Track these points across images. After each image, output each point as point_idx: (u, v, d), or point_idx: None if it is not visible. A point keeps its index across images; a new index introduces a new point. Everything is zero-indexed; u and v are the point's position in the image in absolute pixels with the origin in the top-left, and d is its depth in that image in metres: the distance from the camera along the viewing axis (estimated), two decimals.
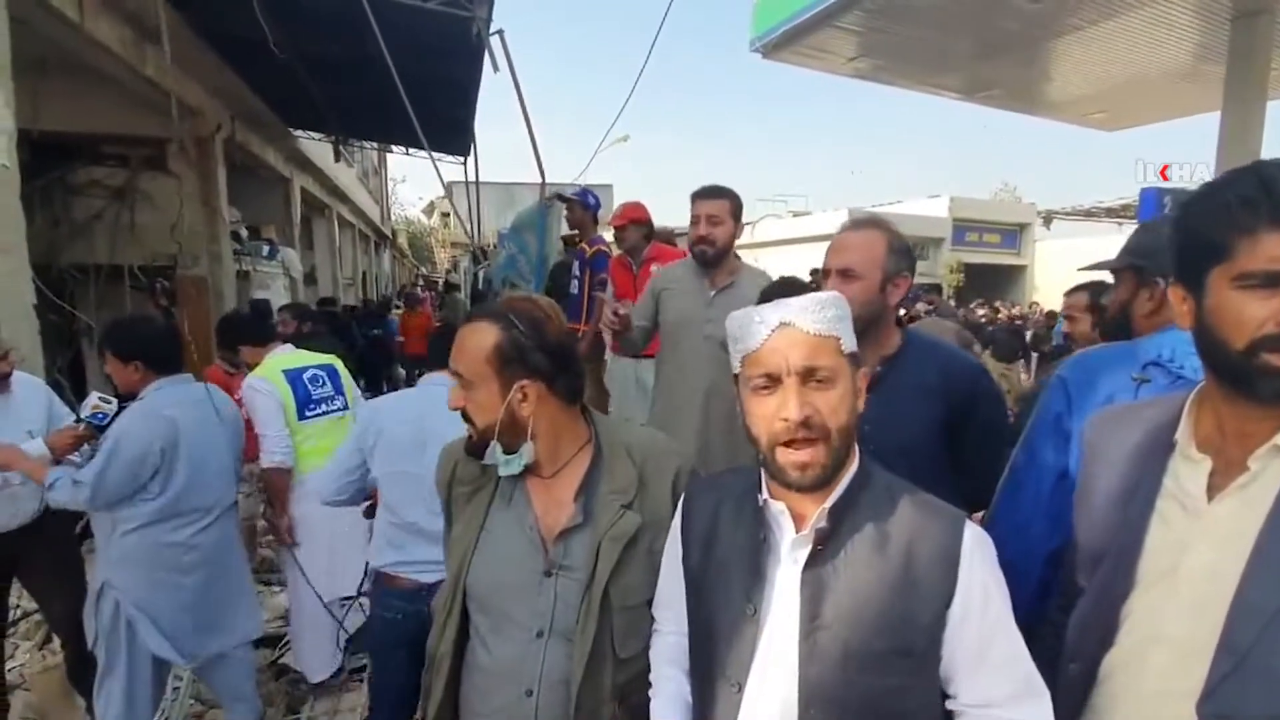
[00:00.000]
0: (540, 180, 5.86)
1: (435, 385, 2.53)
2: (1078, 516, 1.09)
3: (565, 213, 4.80)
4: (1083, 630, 1.01)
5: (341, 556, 3.09)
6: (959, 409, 1.55)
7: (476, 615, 1.20)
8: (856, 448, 0.98)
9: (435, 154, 10.18)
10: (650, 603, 1.16)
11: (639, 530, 1.14)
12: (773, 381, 0.90)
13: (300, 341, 4.03)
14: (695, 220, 2.59)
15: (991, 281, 19.68)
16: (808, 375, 0.89)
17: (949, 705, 0.94)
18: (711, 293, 2.63)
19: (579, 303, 4.54)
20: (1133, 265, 1.49)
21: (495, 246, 10.36)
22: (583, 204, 4.63)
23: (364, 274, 18.84)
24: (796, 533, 0.94)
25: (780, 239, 19.26)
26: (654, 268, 3.81)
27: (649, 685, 1.14)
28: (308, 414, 3.14)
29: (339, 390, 3.29)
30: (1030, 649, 0.95)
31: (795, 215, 21.55)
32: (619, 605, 1.13)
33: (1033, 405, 1.46)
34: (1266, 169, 0.80)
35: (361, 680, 3.26)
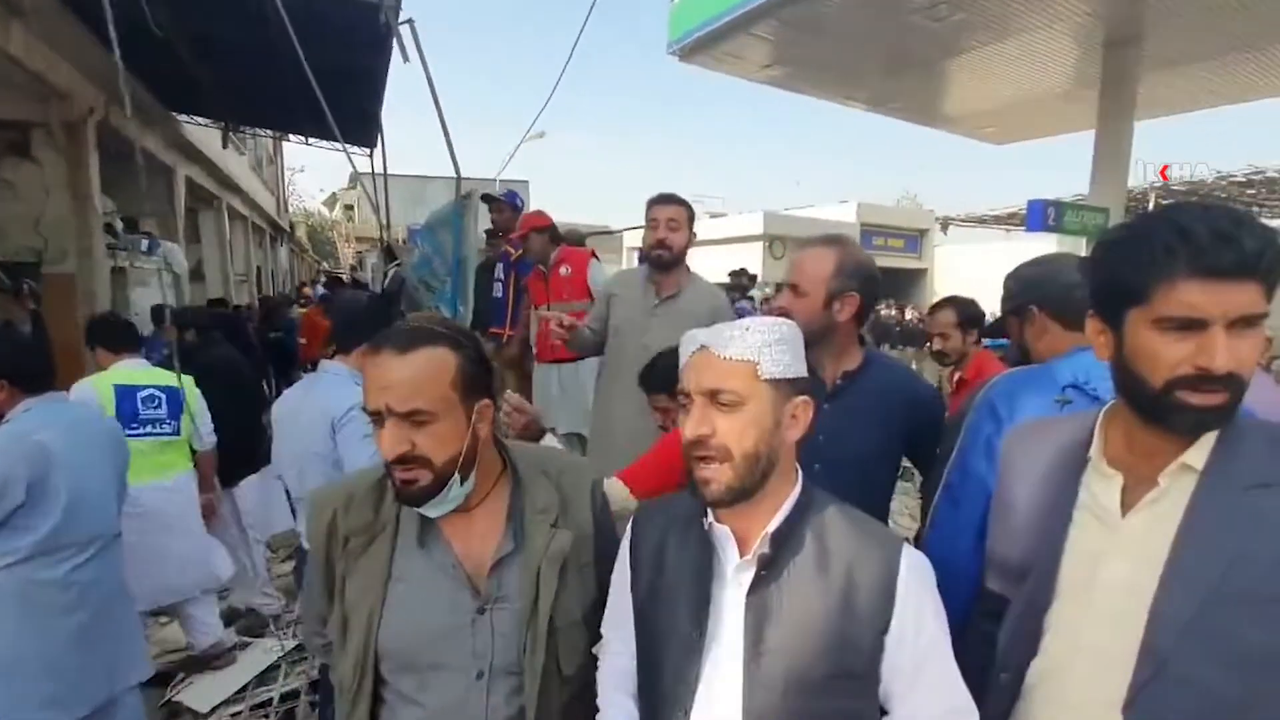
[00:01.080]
0: (455, 176, 5.63)
1: (323, 373, 2.49)
2: (994, 528, 1.14)
3: (491, 213, 4.63)
4: (1011, 641, 1.05)
5: (140, 570, 2.98)
6: (920, 428, 1.63)
7: (397, 676, 1.09)
8: (798, 470, 1.01)
9: (340, 146, 9.69)
10: (585, 617, 1.15)
11: (571, 547, 1.13)
12: (688, 400, 0.95)
13: (187, 355, 3.74)
14: (654, 224, 2.57)
15: (895, 284, 20.73)
16: (711, 397, 0.93)
17: None
18: (655, 302, 2.63)
19: (503, 306, 4.41)
20: (1010, 309, 1.61)
21: (405, 243, 9.94)
22: (511, 205, 4.49)
23: (258, 269, 17.62)
24: (740, 557, 0.96)
25: (698, 240, 19.42)
26: (563, 269, 3.78)
27: (591, 698, 1.13)
28: (129, 432, 2.97)
29: (174, 415, 3.21)
30: (962, 656, 0.99)
31: (713, 217, 21.94)
32: (562, 625, 1.10)
33: (958, 426, 1.50)
34: (1183, 218, 0.83)
35: (267, 715, 3.03)
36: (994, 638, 1.08)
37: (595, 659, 1.18)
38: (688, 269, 2.69)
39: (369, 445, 2.11)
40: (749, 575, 0.95)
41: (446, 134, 5.33)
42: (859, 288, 1.61)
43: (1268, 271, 0.80)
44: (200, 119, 9.32)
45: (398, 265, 8.09)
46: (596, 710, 1.12)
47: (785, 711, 0.90)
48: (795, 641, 0.91)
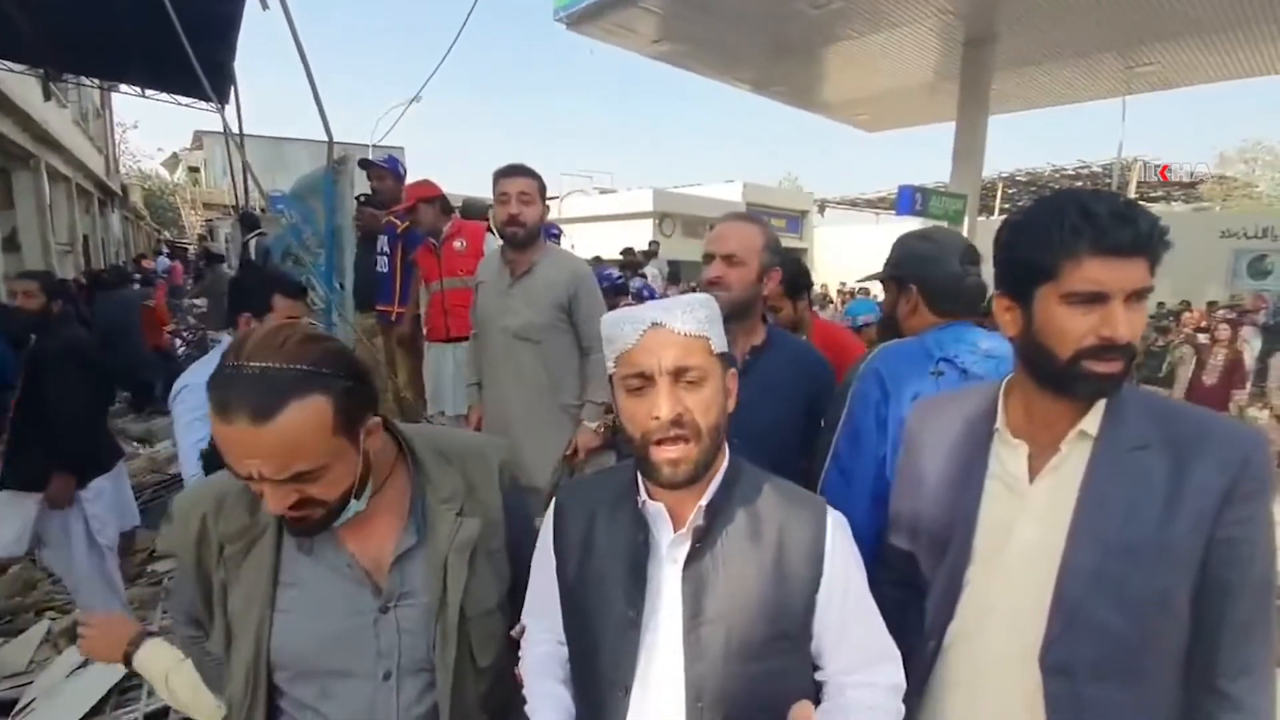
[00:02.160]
0: (326, 139, 5.14)
1: (215, 351, 2.23)
2: (902, 498, 1.20)
3: (371, 181, 4.26)
4: (935, 609, 1.10)
5: None
6: (818, 399, 1.66)
7: (293, 685, 1.02)
8: (725, 445, 1.00)
9: (186, 100, 8.64)
10: (499, 604, 1.11)
11: (479, 534, 1.07)
12: (645, 381, 0.91)
13: (46, 329, 3.18)
14: (505, 199, 2.44)
15: None
16: (679, 374, 0.90)
17: (816, 676, 1.00)
18: (509, 282, 2.54)
19: (390, 281, 4.12)
20: (893, 276, 1.65)
21: (265, 210, 9.11)
22: (393, 173, 4.15)
23: (85, 238, 15.49)
24: (675, 532, 0.96)
25: (587, 215, 19.32)
26: (457, 243, 3.56)
27: (509, 688, 1.09)
28: None
29: None
30: None
31: (602, 192, 21.79)
32: (474, 615, 1.05)
33: (842, 395, 1.55)
34: (1087, 201, 0.89)
35: None
36: (899, 602, 1.13)
37: (513, 646, 1.13)
38: (543, 243, 2.59)
39: (199, 429, 1.85)
40: (684, 549, 0.95)
41: (315, 90, 4.85)
42: (780, 264, 1.68)
43: (1154, 250, 0.89)
44: (14, 65, 8.02)
45: (260, 234, 7.37)
46: (515, 697, 1.08)
47: (726, 677, 0.92)
48: (733, 609, 0.92)
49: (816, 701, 1.00)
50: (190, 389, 1.92)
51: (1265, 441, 0.94)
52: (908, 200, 9.73)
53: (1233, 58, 10.19)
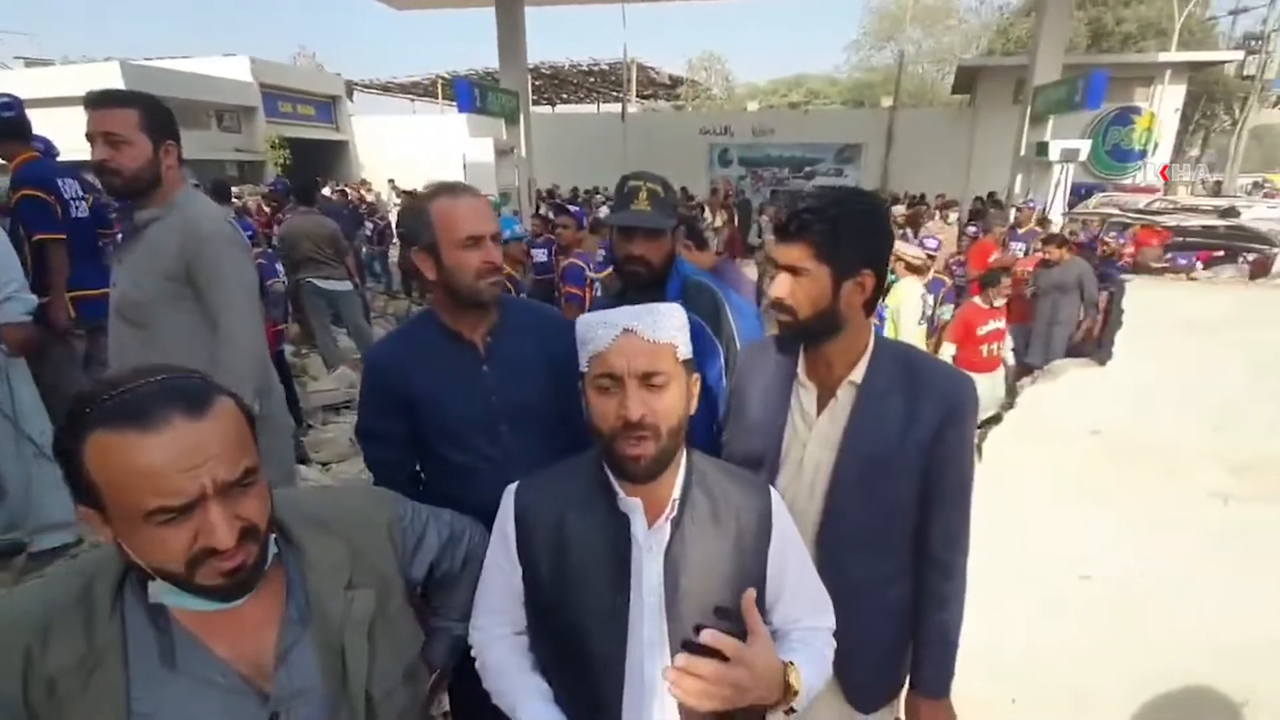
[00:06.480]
0: None
1: None
2: (730, 424, 1.50)
3: None
4: None
5: None
6: (566, 363, 1.59)
7: None
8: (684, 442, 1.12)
9: None
10: (406, 673, 1.04)
11: (376, 604, 1.00)
12: (614, 382, 1.01)
13: None
14: (92, 141, 1.88)
15: (316, 158, 18.65)
16: (645, 379, 1.00)
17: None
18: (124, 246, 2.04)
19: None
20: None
21: None
22: None
23: None
24: (650, 524, 1.06)
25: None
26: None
27: None
28: None
29: None
30: None
31: (29, 65, 15.18)
32: (380, 698, 0.98)
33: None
34: (793, 202, 1.25)
35: None
36: None
37: (423, 713, 1.12)
38: (175, 194, 1.99)
39: None
40: (663, 538, 1.05)
41: None
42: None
43: (804, 236, 1.20)
44: None
45: None
46: None
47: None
48: (706, 581, 1.06)
49: None
50: None
51: (972, 385, 1.32)
52: (466, 97, 9.43)
53: None
